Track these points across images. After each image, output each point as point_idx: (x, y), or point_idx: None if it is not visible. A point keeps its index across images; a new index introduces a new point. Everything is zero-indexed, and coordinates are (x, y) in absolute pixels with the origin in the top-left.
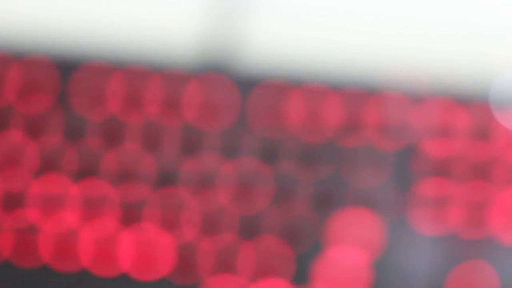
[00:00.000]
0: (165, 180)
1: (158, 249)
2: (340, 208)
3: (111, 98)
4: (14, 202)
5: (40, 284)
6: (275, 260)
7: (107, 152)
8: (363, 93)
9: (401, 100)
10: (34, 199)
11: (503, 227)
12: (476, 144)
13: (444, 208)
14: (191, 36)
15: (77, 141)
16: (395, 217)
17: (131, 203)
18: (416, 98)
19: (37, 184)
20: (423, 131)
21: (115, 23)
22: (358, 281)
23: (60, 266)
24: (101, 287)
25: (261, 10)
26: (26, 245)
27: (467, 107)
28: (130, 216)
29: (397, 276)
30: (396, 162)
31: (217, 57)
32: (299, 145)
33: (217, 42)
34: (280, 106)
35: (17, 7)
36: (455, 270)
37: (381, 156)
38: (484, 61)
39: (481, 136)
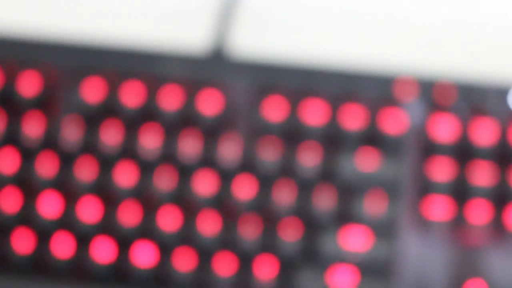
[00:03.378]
0: (145, 177)
1: (139, 246)
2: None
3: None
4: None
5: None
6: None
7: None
8: (354, 99)
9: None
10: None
11: None
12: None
13: (454, 195)
14: (190, 41)
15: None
16: (403, 203)
17: (111, 198)
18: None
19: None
20: (431, 116)
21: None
22: (369, 270)
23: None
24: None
25: (254, 18)
26: (14, 233)
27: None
28: (109, 214)
29: (408, 264)
30: (403, 146)
31: (212, 61)
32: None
33: (212, 46)
34: (275, 109)
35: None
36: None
37: (387, 140)
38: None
39: (494, 125)
